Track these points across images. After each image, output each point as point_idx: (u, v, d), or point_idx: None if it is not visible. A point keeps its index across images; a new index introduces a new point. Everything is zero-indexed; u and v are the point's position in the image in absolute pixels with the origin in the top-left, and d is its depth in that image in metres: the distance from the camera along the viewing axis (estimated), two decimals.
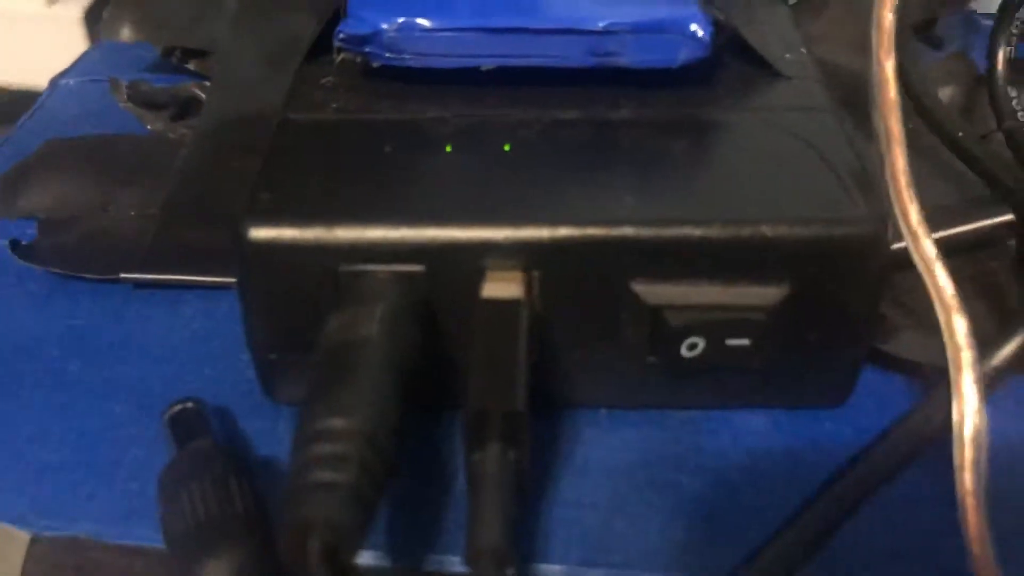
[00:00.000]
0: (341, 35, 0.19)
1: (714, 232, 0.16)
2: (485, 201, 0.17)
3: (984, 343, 0.17)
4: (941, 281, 0.16)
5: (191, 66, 0.29)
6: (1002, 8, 0.22)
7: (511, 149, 0.18)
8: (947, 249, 0.18)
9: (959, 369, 0.16)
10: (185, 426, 0.17)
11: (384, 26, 0.19)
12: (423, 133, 0.19)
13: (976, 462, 0.16)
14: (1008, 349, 0.17)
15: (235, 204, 0.22)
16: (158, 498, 0.16)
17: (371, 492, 0.14)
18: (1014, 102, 0.22)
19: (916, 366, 0.19)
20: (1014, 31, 0.22)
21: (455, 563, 0.16)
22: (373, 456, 0.14)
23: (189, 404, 0.18)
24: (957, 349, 0.16)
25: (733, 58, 0.20)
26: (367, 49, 0.19)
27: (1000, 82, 0.22)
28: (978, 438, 0.16)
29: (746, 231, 0.16)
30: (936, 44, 0.29)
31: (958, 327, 0.16)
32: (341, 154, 0.18)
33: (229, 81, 0.28)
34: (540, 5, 0.19)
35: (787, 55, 0.21)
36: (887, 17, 0.18)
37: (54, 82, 0.29)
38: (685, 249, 0.16)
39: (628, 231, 0.16)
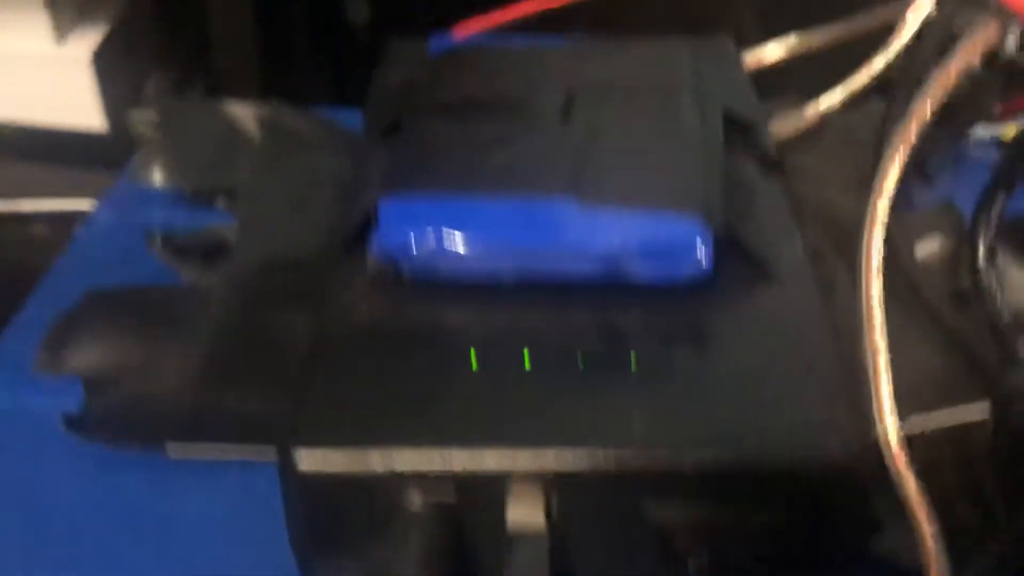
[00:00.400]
0: (374, 248, 0.21)
1: (713, 459, 0.18)
2: (508, 429, 0.19)
3: (965, 546, 0.19)
4: (920, 515, 0.18)
5: (220, 204, 0.30)
6: (980, 207, 0.24)
7: (532, 365, 0.20)
8: (927, 441, 0.20)
9: None
10: None
11: (415, 245, 0.21)
12: (452, 345, 0.20)
13: None
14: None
15: (268, 367, 0.24)
16: None
17: None
18: (996, 291, 0.23)
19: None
20: (991, 216, 0.24)
21: None
22: None
23: None
24: (932, 560, 0.18)
25: (733, 258, 0.22)
26: (399, 261, 0.21)
27: (983, 273, 0.23)
28: None
29: (742, 458, 0.18)
30: (926, 179, 0.31)
31: (931, 547, 0.18)
32: (377, 371, 0.20)
33: (254, 226, 0.29)
34: (556, 223, 0.21)
35: (784, 251, 0.22)
36: (875, 242, 0.20)
37: (88, 219, 0.31)
38: (688, 474, 0.18)
39: (637, 458, 0.18)
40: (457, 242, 0.20)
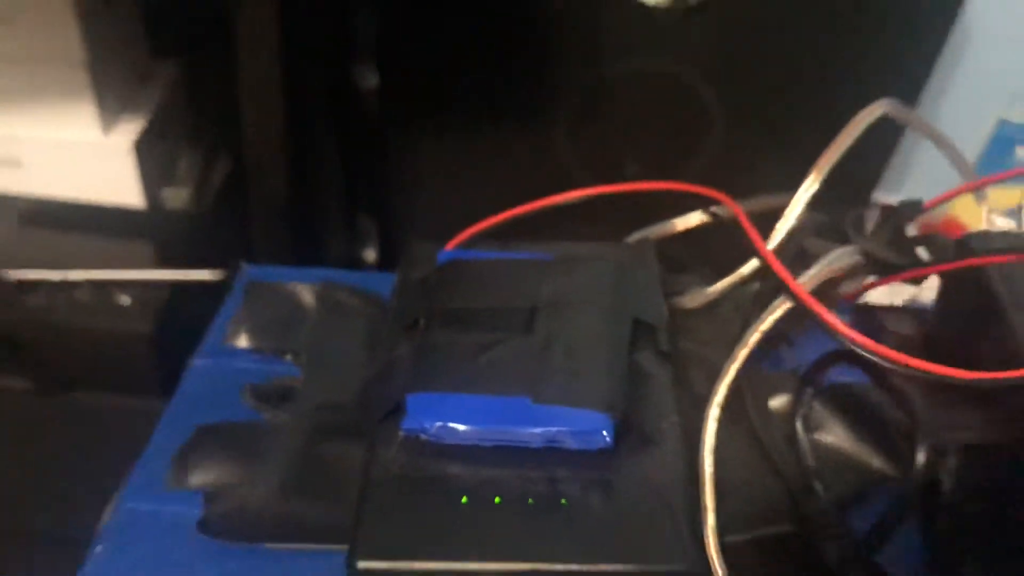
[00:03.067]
0: (405, 428, 0.34)
1: (610, 569, 0.31)
2: (487, 547, 0.31)
3: None
4: None
5: (288, 358, 0.43)
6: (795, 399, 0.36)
7: (501, 502, 0.32)
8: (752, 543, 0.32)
9: None
10: None
11: (429, 426, 0.33)
12: (451, 487, 0.33)
13: None
14: None
15: (325, 487, 0.36)
16: None
17: None
18: (807, 451, 0.36)
19: None
20: (805, 402, 0.36)
21: None
22: None
23: None
24: None
25: (630, 431, 0.34)
26: (419, 433, 0.34)
27: (802, 441, 0.36)
28: None
29: (627, 568, 0.31)
30: (791, 346, 0.44)
31: None
32: (404, 505, 0.32)
33: (312, 376, 0.42)
34: (516, 411, 0.33)
35: (662, 422, 0.35)
36: (709, 442, 0.32)
37: (188, 367, 0.43)
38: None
39: (564, 569, 0.31)
40: (456, 426, 0.33)
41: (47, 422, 0.78)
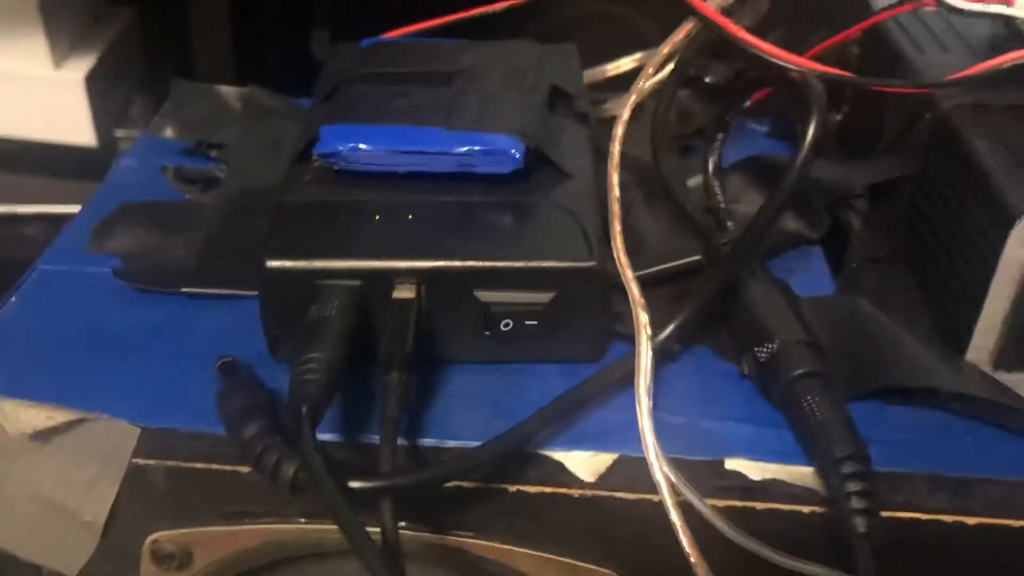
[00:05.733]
0: (317, 152, 0.34)
1: (518, 264, 0.31)
2: (397, 247, 0.31)
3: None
4: (635, 291, 0.31)
5: (212, 153, 0.43)
6: (709, 138, 0.37)
7: (413, 218, 0.33)
8: (660, 278, 0.33)
9: (640, 340, 0.31)
10: (227, 369, 0.31)
11: (341, 149, 0.33)
12: (364, 208, 0.33)
13: (648, 389, 0.30)
14: (669, 329, 0.31)
15: (246, 249, 0.36)
16: (217, 405, 0.30)
17: (327, 393, 0.28)
18: (716, 189, 0.37)
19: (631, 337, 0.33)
20: (716, 148, 0.37)
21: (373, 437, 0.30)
22: (331, 376, 0.28)
23: (229, 359, 0.32)
24: (640, 326, 0.31)
25: (543, 163, 0.35)
26: (331, 160, 0.34)
27: (711, 179, 0.37)
28: (648, 379, 0.30)
29: (534, 264, 0.31)
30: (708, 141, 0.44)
31: (641, 318, 0.31)
32: (316, 220, 0.32)
33: (237, 167, 0.42)
34: (428, 136, 0.34)
35: (576, 162, 0.35)
36: (616, 147, 0.33)
37: (116, 163, 0.43)
38: (502, 274, 0.31)
39: (472, 264, 0.31)
40: (367, 147, 0.33)
41: None
